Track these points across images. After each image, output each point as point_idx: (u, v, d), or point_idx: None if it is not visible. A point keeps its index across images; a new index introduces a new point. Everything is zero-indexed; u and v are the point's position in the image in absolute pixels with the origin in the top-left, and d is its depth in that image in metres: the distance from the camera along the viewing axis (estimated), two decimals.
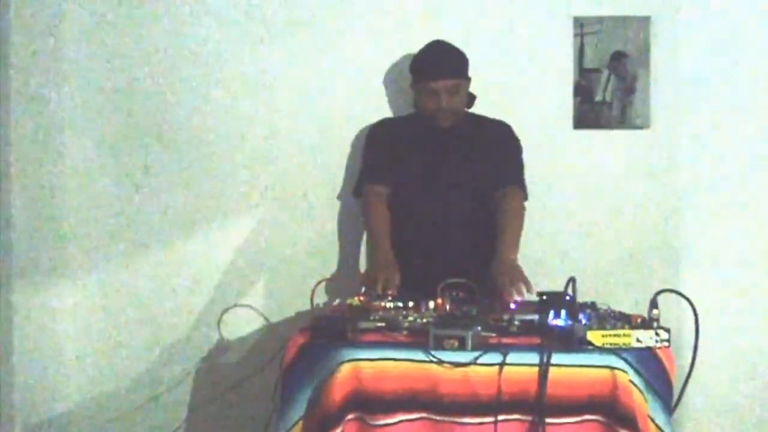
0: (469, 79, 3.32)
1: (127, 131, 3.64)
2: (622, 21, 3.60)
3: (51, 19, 3.60)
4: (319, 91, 3.63)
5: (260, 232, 3.65)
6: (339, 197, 3.64)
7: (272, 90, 3.63)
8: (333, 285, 3.49)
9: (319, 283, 2.88)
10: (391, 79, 3.62)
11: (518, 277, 2.90)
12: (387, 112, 3.61)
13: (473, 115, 3.40)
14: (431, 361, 2.41)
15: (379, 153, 3.41)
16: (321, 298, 2.84)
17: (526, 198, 3.35)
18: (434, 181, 3.31)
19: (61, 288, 3.64)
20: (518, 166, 3.40)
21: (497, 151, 3.36)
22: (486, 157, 3.33)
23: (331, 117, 3.63)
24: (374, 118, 3.54)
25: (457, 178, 3.31)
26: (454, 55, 3.31)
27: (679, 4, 3.61)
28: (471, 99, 3.36)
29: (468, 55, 3.42)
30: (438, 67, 3.27)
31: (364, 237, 3.61)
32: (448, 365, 2.40)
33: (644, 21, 3.60)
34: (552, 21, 3.61)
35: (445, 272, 2.81)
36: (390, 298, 2.81)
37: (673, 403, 2.54)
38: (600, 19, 3.60)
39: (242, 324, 3.63)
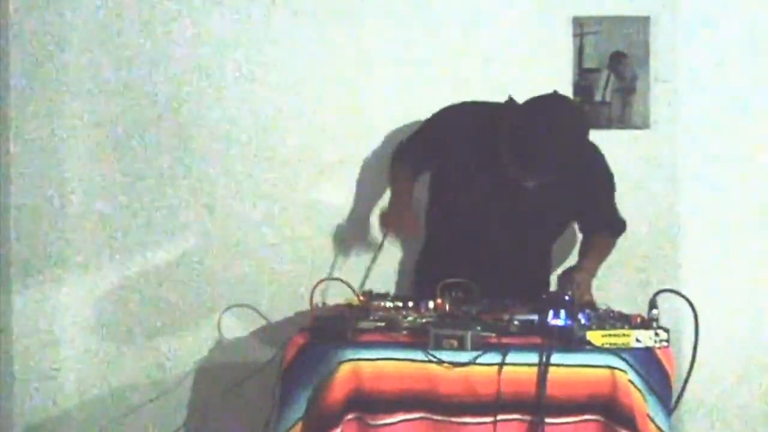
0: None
1: (128, 131, 3.64)
2: (622, 21, 3.60)
3: (51, 19, 3.59)
4: (325, 92, 3.62)
5: (260, 231, 3.65)
6: (341, 197, 3.64)
7: (277, 89, 3.63)
8: (333, 285, 3.49)
9: (319, 282, 2.89)
10: (395, 79, 3.62)
11: (584, 292, 2.87)
12: (392, 114, 3.58)
13: None
14: (431, 361, 2.41)
15: (435, 142, 3.08)
16: (321, 298, 2.84)
17: (623, 230, 3.22)
18: (495, 205, 2.99)
19: (61, 288, 3.64)
20: (611, 208, 3.15)
21: (584, 193, 3.03)
22: (567, 196, 2.99)
23: (334, 118, 3.63)
24: (380, 120, 3.54)
25: (523, 211, 3.00)
26: (567, 156, 2.74)
27: (679, 4, 3.61)
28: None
29: (467, 56, 3.42)
30: (539, 167, 2.77)
31: (365, 237, 3.61)
32: (447, 365, 2.41)
33: (644, 21, 3.60)
34: (552, 21, 3.61)
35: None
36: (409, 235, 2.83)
37: (673, 403, 2.54)
38: (600, 19, 3.60)
39: (242, 324, 3.64)
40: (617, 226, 3.23)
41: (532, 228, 3.07)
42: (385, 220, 3.19)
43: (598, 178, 3.11)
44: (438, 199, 3.20)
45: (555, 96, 2.85)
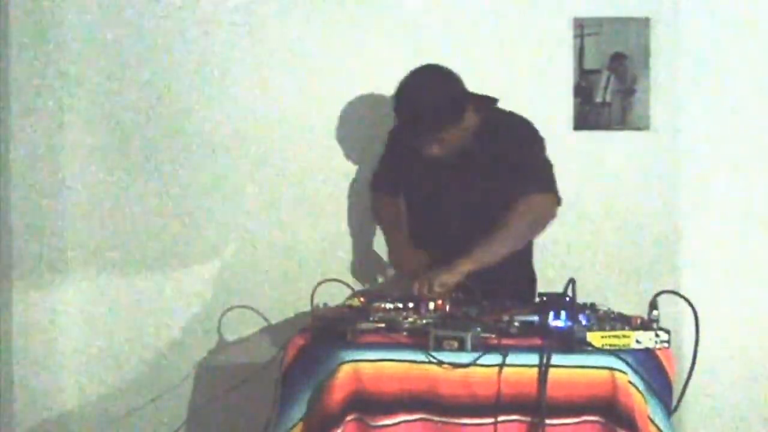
0: (461, 116, 2.97)
1: (129, 131, 3.64)
2: (622, 22, 3.60)
3: (51, 20, 3.59)
4: (324, 92, 3.63)
5: (261, 231, 3.65)
6: (341, 197, 3.64)
7: (276, 89, 3.63)
8: (333, 285, 3.49)
9: (319, 283, 2.89)
10: (394, 80, 3.61)
11: (434, 287, 2.79)
12: (392, 115, 3.57)
13: (487, 117, 3.10)
14: (431, 362, 2.41)
15: (391, 160, 3.32)
16: (321, 299, 2.83)
17: (557, 201, 3.08)
18: (441, 200, 3.13)
19: (61, 288, 3.64)
20: (536, 169, 3.07)
21: (513, 161, 3.03)
22: (499, 170, 3.04)
23: (334, 117, 3.63)
24: (380, 121, 3.54)
25: (466, 199, 3.10)
26: (429, 111, 2.91)
27: (679, 5, 3.61)
28: (486, 105, 3.08)
29: (467, 56, 3.42)
30: (411, 129, 2.97)
31: (366, 238, 3.61)
32: (447, 366, 2.40)
33: (644, 22, 3.60)
34: (552, 22, 3.61)
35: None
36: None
37: (673, 405, 2.54)
38: (600, 21, 3.60)
39: (242, 324, 3.64)
40: (545, 186, 3.04)
41: (483, 210, 3.05)
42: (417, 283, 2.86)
43: (521, 141, 3.08)
44: (408, 207, 3.28)
45: (425, 64, 3.04)
